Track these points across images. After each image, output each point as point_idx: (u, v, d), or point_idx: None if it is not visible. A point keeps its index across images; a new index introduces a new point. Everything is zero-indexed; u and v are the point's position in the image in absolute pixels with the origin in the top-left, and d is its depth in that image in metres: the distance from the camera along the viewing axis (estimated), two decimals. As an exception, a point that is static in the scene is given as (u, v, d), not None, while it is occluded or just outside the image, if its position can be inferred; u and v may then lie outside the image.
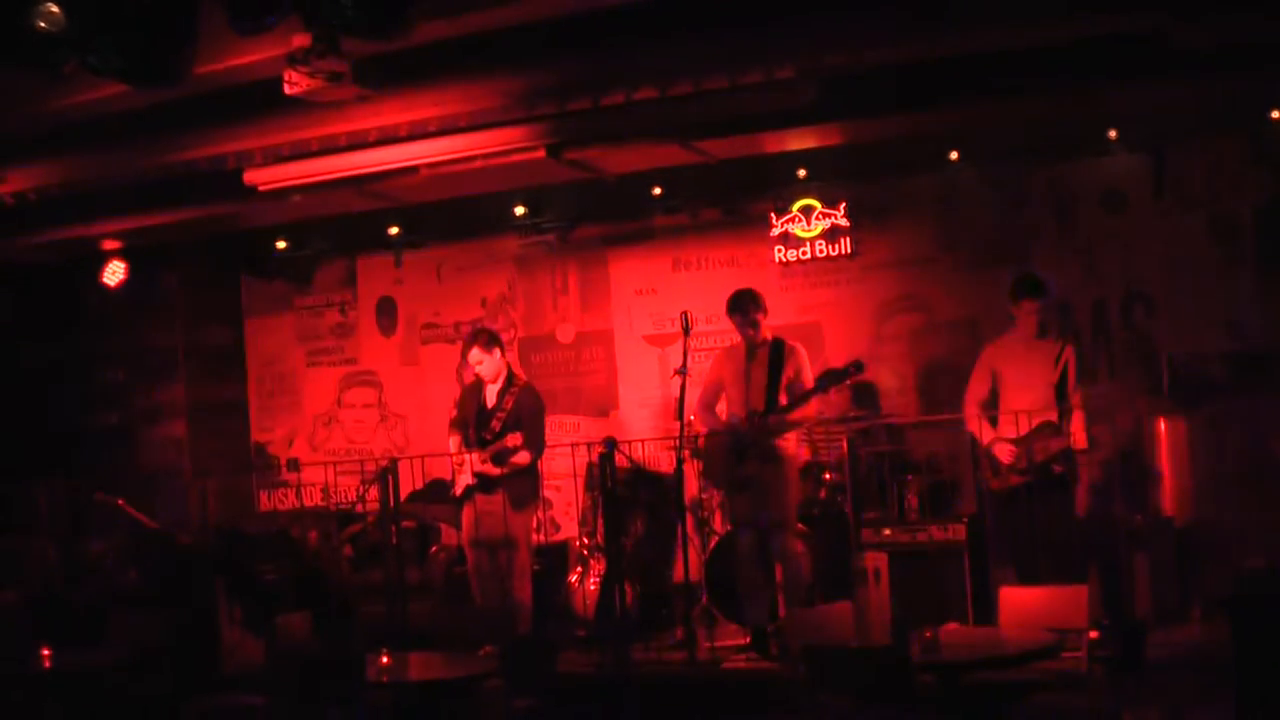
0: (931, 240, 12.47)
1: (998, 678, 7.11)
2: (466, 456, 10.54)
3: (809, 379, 10.20)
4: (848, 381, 10.04)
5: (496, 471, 10.40)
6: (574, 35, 9.35)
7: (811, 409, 10.32)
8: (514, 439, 10.33)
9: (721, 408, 10.53)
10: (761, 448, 10.08)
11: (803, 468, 11.05)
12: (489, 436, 10.57)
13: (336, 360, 14.87)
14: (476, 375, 10.96)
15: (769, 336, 10.41)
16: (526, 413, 10.68)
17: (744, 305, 10.39)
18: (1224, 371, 10.51)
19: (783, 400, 10.16)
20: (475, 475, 10.49)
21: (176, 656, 9.01)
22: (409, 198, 12.85)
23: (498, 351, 10.85)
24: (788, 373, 10.24)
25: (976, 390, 10.29)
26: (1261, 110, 11.07)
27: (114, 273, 14.01)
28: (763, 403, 10.19)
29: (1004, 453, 9.93)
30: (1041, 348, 10.07)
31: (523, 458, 10.46)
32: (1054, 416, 9.85)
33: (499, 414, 10.67)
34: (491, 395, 10.81)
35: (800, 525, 10.64)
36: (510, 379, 10.90)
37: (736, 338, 10.57)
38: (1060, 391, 9.90)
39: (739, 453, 10.14)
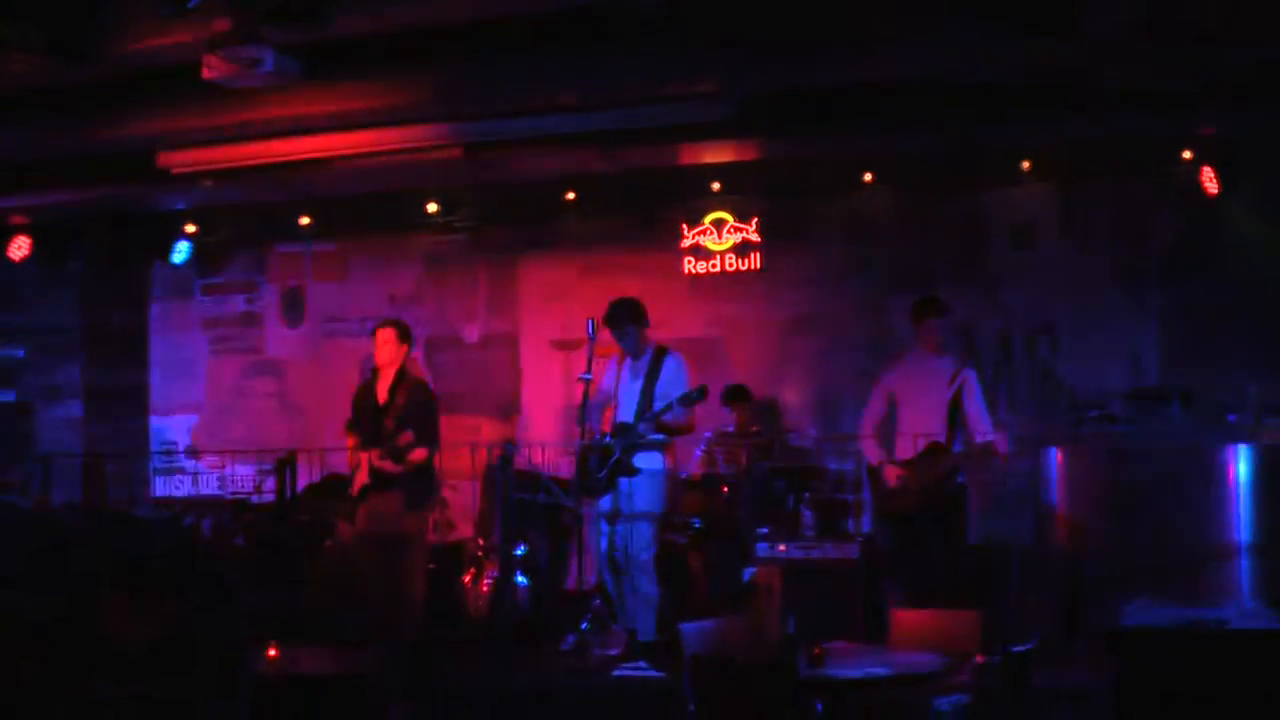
0: (841, 261, 12.58)
1: (882, 698, 7.14)
2: (363, 455, 10.44)
3: (681, 389, 9.92)
4: (692, 404, 9.85)
5: (395, 468, 10.29)
6: (497, 37, 9.35)
7: (686, 424, 10.06)
8: (406, 437, 10.19)
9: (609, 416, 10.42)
10: (623, 462, 10.03)
11: (699, 479, 11.09)
12: (383, 434, 10.44)
13: (239, 348, 14.76)
14: (374, 365, 10.81)
15: (649, 346, 10.22)
16: (418, 408, 10.51)
17: (615, 317, 10.13)
18: (1123, 407, 10.62)
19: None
20: (371, 474, 10.36)
21: (51, 640, 8.87)
22: (322, 189, 12.78)
23: (407, 348, 10.71)
24: (660, 385, 10.04)
25: (874, 410, 10.33)
26: (1172, 152, 11.23)
27: (19, 248, 13.80)
28: (634, 414, 10.15)
29: (890, 475, 10.00)
30: (938, 367, 10.12)
31: (419, 454, 10.34)
32: (945, 439, 9.94)
33: (391, 410, 10.51)
34: (383, 392, 10.63)
35: (685, 536, 10.68)
36: (400, 375, 10.70)
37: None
38: (954, 412, 9.97)
39: (600, 464, 10.06)
